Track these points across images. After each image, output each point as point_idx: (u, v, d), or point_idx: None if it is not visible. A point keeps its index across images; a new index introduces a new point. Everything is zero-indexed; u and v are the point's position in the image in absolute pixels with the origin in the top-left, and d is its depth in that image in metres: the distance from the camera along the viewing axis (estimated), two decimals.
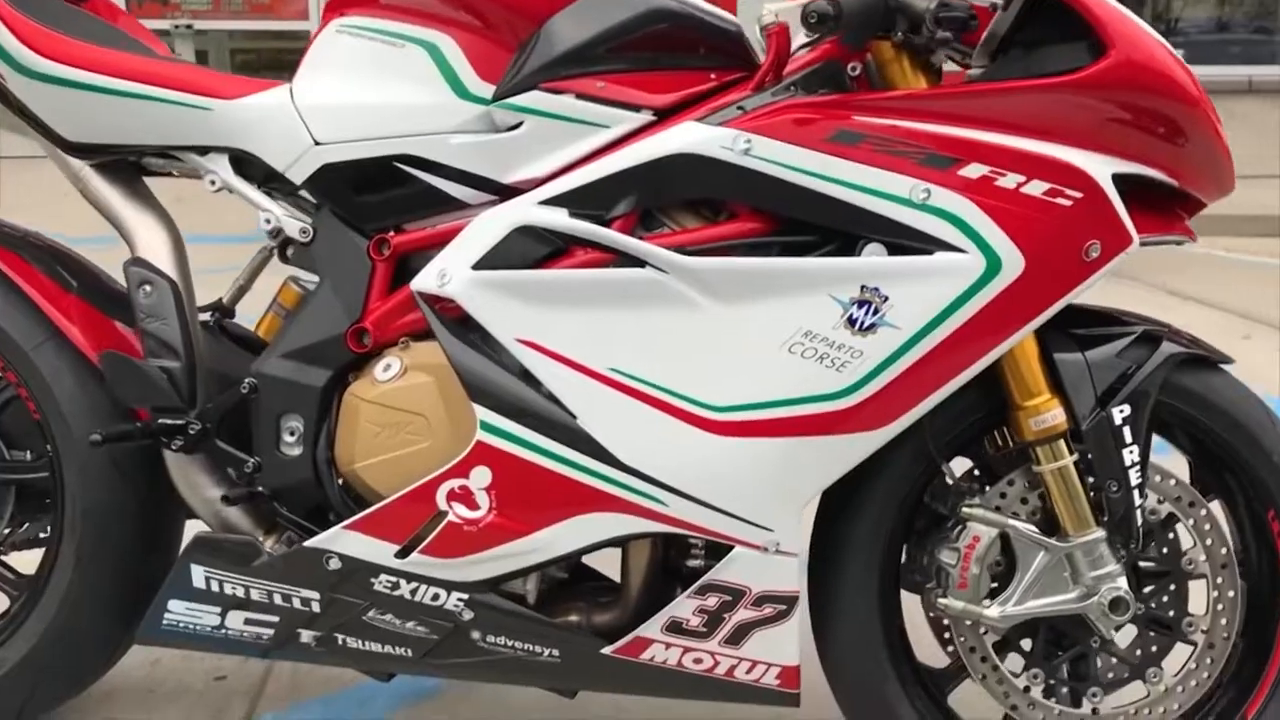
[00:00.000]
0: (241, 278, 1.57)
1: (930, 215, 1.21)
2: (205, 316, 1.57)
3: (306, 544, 1.37)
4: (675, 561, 1.39)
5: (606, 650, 1.39)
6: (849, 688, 1.44)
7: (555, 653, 1.40)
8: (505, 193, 1.35)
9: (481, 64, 1.34)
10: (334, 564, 1.37)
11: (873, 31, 1.23)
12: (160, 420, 1.40)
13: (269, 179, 1.47)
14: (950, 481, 1.40)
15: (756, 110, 1.25)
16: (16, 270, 1.50)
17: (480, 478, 1.31)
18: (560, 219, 1.28)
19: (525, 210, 1.29)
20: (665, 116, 1.29)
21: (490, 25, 1.34)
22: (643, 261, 1.25)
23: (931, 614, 1.46)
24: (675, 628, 1.36)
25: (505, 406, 1.29)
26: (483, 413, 1.29)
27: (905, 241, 1.22)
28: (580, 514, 1.30)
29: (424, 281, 1.32)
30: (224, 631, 1.46)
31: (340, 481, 1.40)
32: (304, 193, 1.44)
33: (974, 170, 1.21)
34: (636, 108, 1.29)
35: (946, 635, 1.46)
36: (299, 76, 1.45)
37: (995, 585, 1.37)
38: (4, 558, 1.63)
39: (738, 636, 1.36)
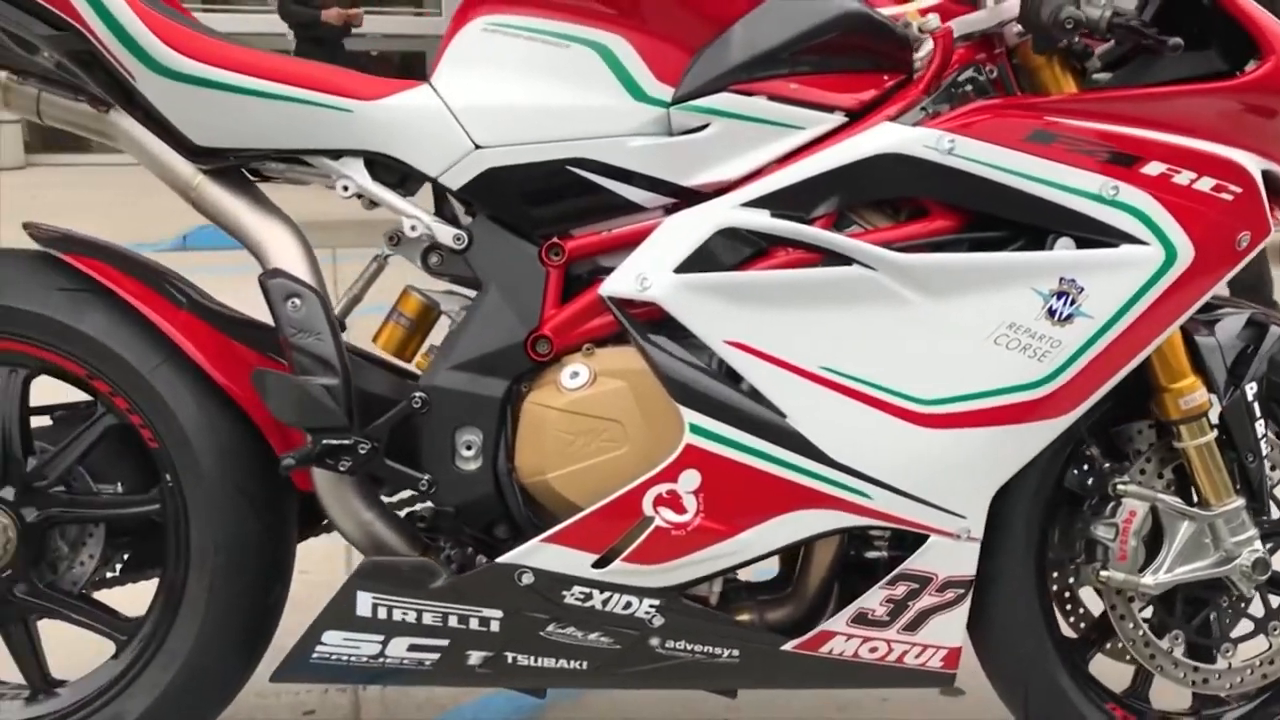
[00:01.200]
0: (355, 288, 1.50)
1: (1118, 210, 1.29)
2: None
3: (499, 560, 1.33)
4: (854, 554, 1.42)
5: (787, 647, 1.40)
6: (1010, 665, 1.50)
7: (735, 653, 1.40)
8: (685, 195, 1.34)
9: (658, 66, 1.33)
10: (526, 579, 1.33)
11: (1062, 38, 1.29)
12: (326, 441, 1.32)
13: (404, 184, 1.41)
14: (1094, 461, 1.48)
15: (953, 112, 1.30)
16: (125, 288, 1.38)
17: (689, 481, 1.30)
18: (765, 220, 1.28)
19: (728, 212, 1.29)
20: (855, 118, 1.32)
21: (666, 27, 1.33)
22: (849, 259, 1.28)
23: (1065, 587, 1.54)
24: (861, 619, 1.39)
25: (714, 409, 1.28)
26: (691, 415, 1.29)
27: (1093, 235, 1.29)
28: (786, 512, 1.31)
29: (617, 286, 1.30)
30: (382, 661, 1.39)
31: (521, 493, 1.36)
32: (450, 198, 1.39)
33: (1154, 168, 1.29)
34: (830, 109, 1.31)
35: (1069, 608, 1.55)
36: (440, 76, 1.39)
37: None
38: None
39: (916, 623, 1.40)
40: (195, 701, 1.44)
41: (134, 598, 1.50)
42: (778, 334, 1.28)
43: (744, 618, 1.43)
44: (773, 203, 1.29)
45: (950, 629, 1.41)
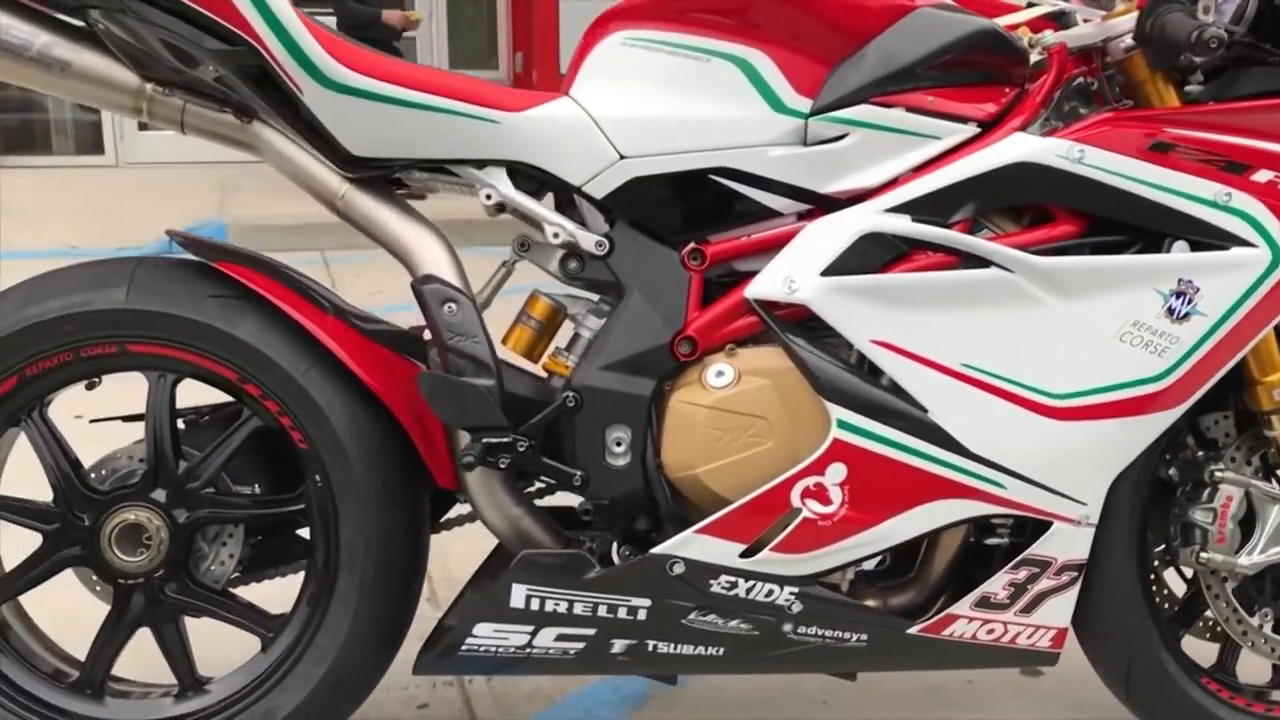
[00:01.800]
0: (484, 293, 1.55)
1: (1231, 215, 1.38)
2: None
3: (653, 551, 1.39)
4: (973, 541, 1.50)
5: (913, 630, 1.48)
6: (1114, 643, 1.58)
7: (863, 637, 1.47)
8: (820, 202, 1.41)
9: (796, 79, 1.40)
10: (678, 569, 1.39)
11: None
12: (487, 439, 1.37)
13: (540, 192, 1.47)
14: (1188, 450, 1.57)
15: (1078, 123, 1.38)
16: (276, 294, 1.42)
17: (835, 474, 1.37)
18: (908, 225, 1.36)
19: (872, 217, 1.36)
20: (985, 129, 1.40)
21: (804, 43, 1.40)
22: (986, 262, 1.36)
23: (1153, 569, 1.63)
24: (984, 602, 1.47)
25: (860, 404, 1.36)
26: (838, 411, 1.36)
27: (1207, 239, 1.38)
28: (925, 502, 1.39)
29: (764, 289, 1.37)
30: (528, 651, 1.44)
31: (668, 487, 1.42)
32: (589, 206, 1.45)
33: (1263, 175, 1.39)
34: (964, 120, 1.39)
35: (1154, 589, 1.65)
36: (580, 88, 1.45)
37: None
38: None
39: (1032, 605, 1.48)
40: (343, 696, 1.48)
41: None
42: (920, 333, 1.36)
43: (870, 603, 1.50)
44: (913, 209, 1.36)
45: (1061, 610, 1.50)
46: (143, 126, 8.26)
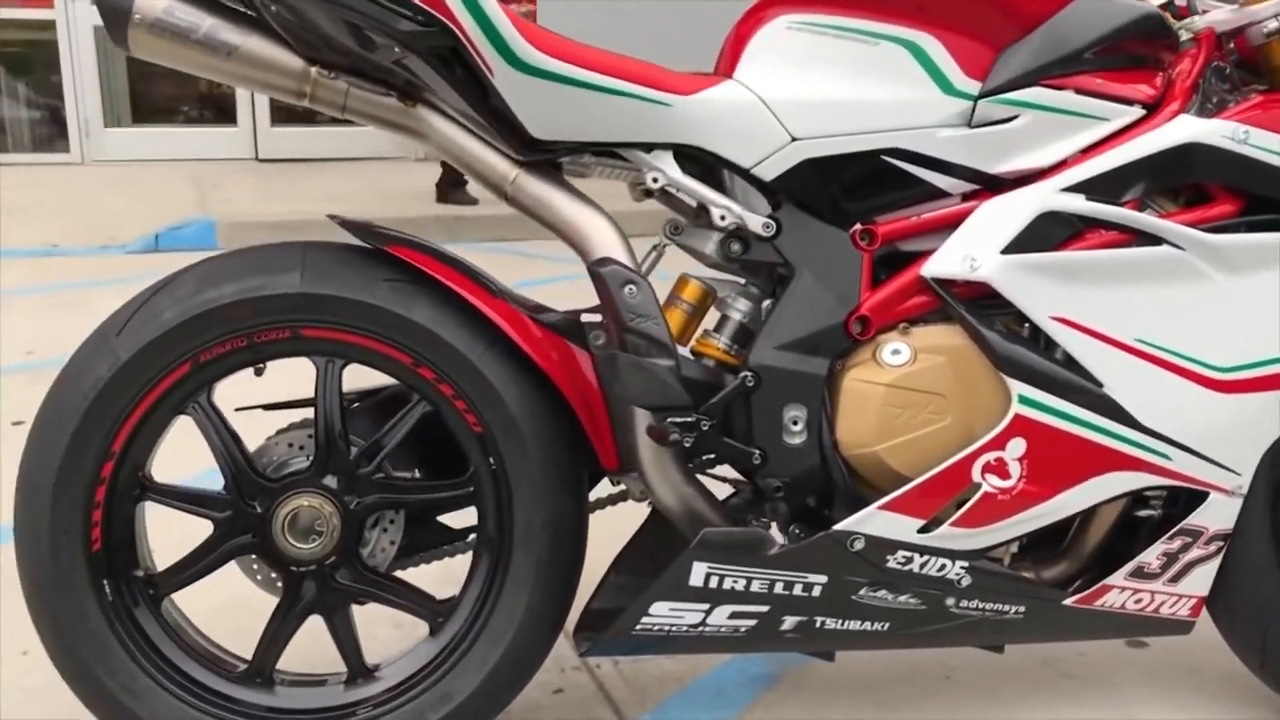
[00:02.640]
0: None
1: None
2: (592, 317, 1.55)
3: (836, 528, 1.41)
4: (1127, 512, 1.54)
5: (1069, 601, 1.52)
6: (1249, 610, 1.63)
7: (1021, 609, 1.51)
8: (987, 181, 1.44)
9: (966, 61, 1.43)
10: (858, 545, 1.41)
11: None
12: (672, 419, 1.39)
13: (706, 176, 1.48)
14: None
15: (1238, 105, 1.43)
16: (447, 277, 1.41)
17: (1015, 448, 1.40)
18: (1085, 204, 1.39)
19: (1050, 196, 1.39)
20: (1149, 111, 1.44)
21: (974, 26, 1.42)
22: (1159, 240, 1.40)
23: None
24: (1138, 572, 1.51)
25: (1040, 380, 1.39)
26: (1019, 387, 1.39)
27: None
28: (1099, 474, 1.43)
29: (943, 267, 1.40)
30: (700, 629, 1.46)
31: (844, 464, 1.44)
32: (744, 188, 1.47)
33: None
34: (1131, 102, 1.43)
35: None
36: (746, 71, 1.46)
37: None
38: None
39: (1179, 575, 1.53)
40: (517, 676, 1.48)
41: None
42: (1097, 308, 1.39)
43: (1026, 575, 1.54)
44: (1087, 188, 1.40)
45: (1203, 580, 1.55)
46: (112, 124, 8.21)
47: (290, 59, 1.39)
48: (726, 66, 1.50)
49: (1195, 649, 1.66)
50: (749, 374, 1.42)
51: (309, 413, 1.48)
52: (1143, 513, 1.55)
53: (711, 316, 1.54)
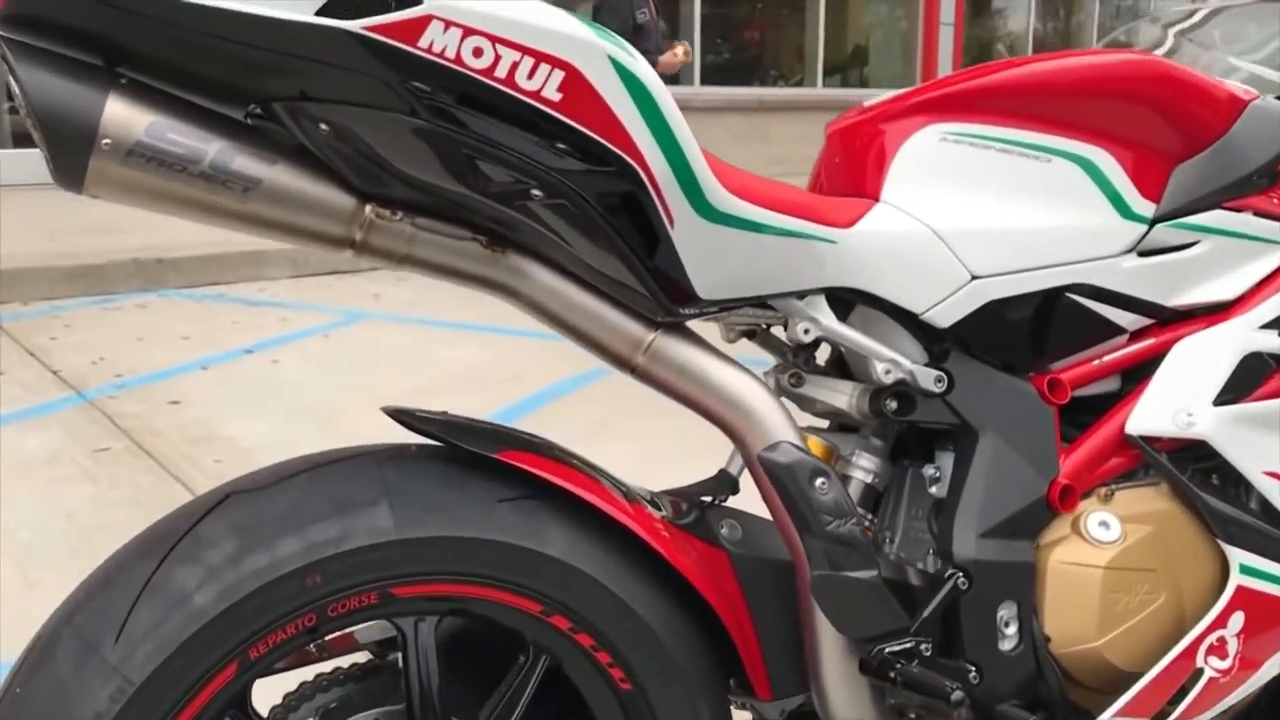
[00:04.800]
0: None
1: None
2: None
3: None
4: None
5: None
6: None
7: None
8: (1164, 315, 1.26)
9: (1141, 181, 1.24)
10: None
11: None
12: (887, 648, 1.09)
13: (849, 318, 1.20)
14: None
15: None
16: (578, 484, 1.04)
17: (1235, 623, 1.23)
18: None
19: (1249, 336, 1.23)
20: None
21: (1147, 139, 1.24)
22: None
23: None
24: None
25: (1262, 545, 1.23)
26: (1240, 555, 1.22)
27: None
28: None
29: (1151, 423, 1.20)
30: None
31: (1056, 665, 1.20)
32: (903, 335, 1.21)
33: None
34: None
35: None
36: (896, 192, 1.20)
37: None
38: None
39: None
40: None
41: None
42: None
43: None
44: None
45: None
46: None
47: (336, 194, 0.97)
48: (862, 184, 1.22)
49: None
50: (959, 573, 1.15)
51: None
52: None
53: None
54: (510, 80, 0.90)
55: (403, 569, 0.97)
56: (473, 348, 4.37)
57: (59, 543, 2.57)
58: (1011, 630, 1.17)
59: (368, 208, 0.98)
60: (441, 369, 4.09)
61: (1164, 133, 1.24)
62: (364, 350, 4.36)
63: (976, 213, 1.19)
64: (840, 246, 1.13)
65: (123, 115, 0.89)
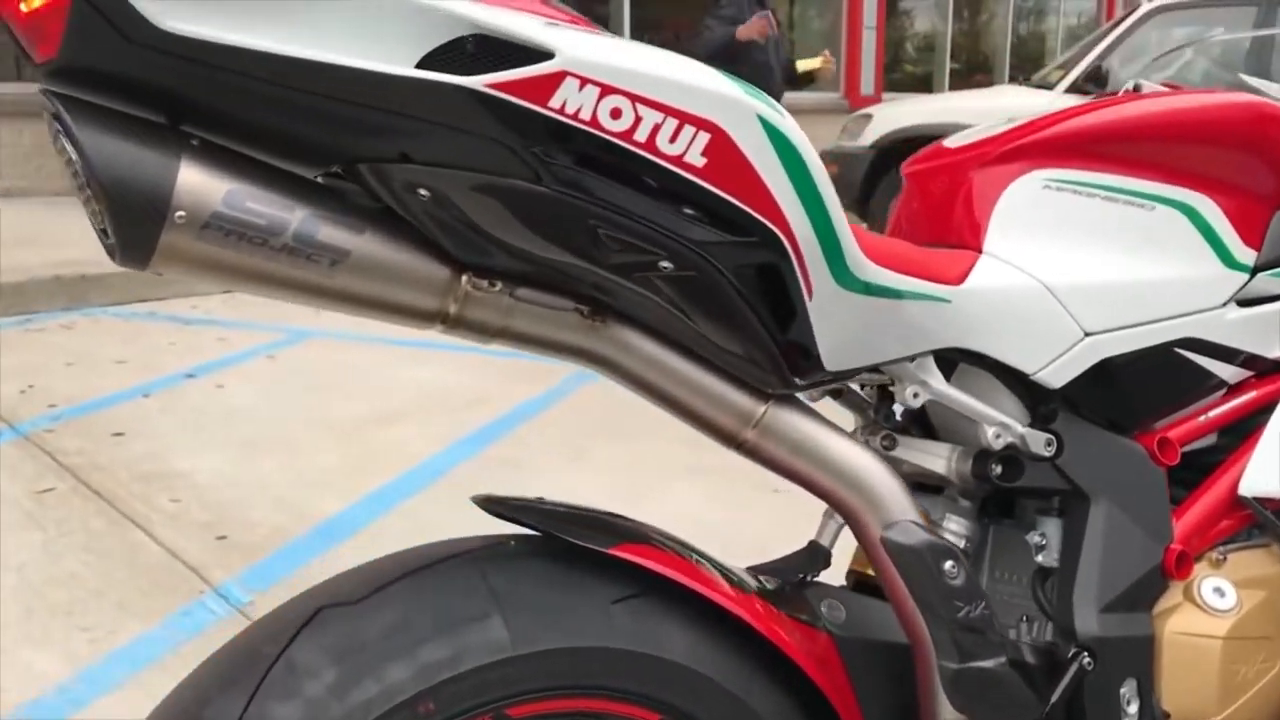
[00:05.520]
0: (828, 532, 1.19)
1: None
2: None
3: None
4: None
5: None
6: None
7: None
8: (1264, 367, 1.22)
9: (1242, 228, 1.18)
10: None
11: None
12: None
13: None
14: None
15: None
16: (695, 579, 0.95)
17: None
18: None
19: None
20: None
21: (1251, 186, 1.18)
22: None
23: None
24: None
25: None
26: None
27: None
28: None
29: (1266, 484, 1.15)
30: None
31: None
32: (1006, 396, 1.13)
33: None
34: None
35: None
36: (999, 242, 1.12)
37: None
38: None
39: None
40: None
41: None
42: None
43: None
44: None
45: None
46: None
47: (430, 264, 0.86)
48: (960, 233, 1.14)
49: None
50: (1084, 652, 1.08)
51: None
52: None
53: None
54: (651, 144, 0.79)
55: (519, 687, 0.86)
56: (431, 367, 4.22)
57: (12, 602, 2.37)
58: (1133, 709, 1.11)
59: (464, 278, 0.87)
60: (401, 391, 3.94)
61: (1265, 177, 1.19)
62: (315, 372, 4.18)
63: (1085, 265, 1.12)
64: (954, 306, 1.05)
65: (197, 183, 0.77)
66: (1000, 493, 1.20)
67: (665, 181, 0.81)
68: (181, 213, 0.76)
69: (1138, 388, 1.14)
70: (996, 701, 1.00)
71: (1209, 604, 1.14)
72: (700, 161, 0.81)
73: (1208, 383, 1.19)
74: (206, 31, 0.72)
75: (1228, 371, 1.19)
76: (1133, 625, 1.11)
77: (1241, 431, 1.21)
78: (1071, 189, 1.14)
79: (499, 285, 0.88)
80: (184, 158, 0.77)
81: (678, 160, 0.80)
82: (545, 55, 0.77)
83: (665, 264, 0.85)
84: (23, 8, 0.75)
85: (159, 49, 0.72)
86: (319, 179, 0.85)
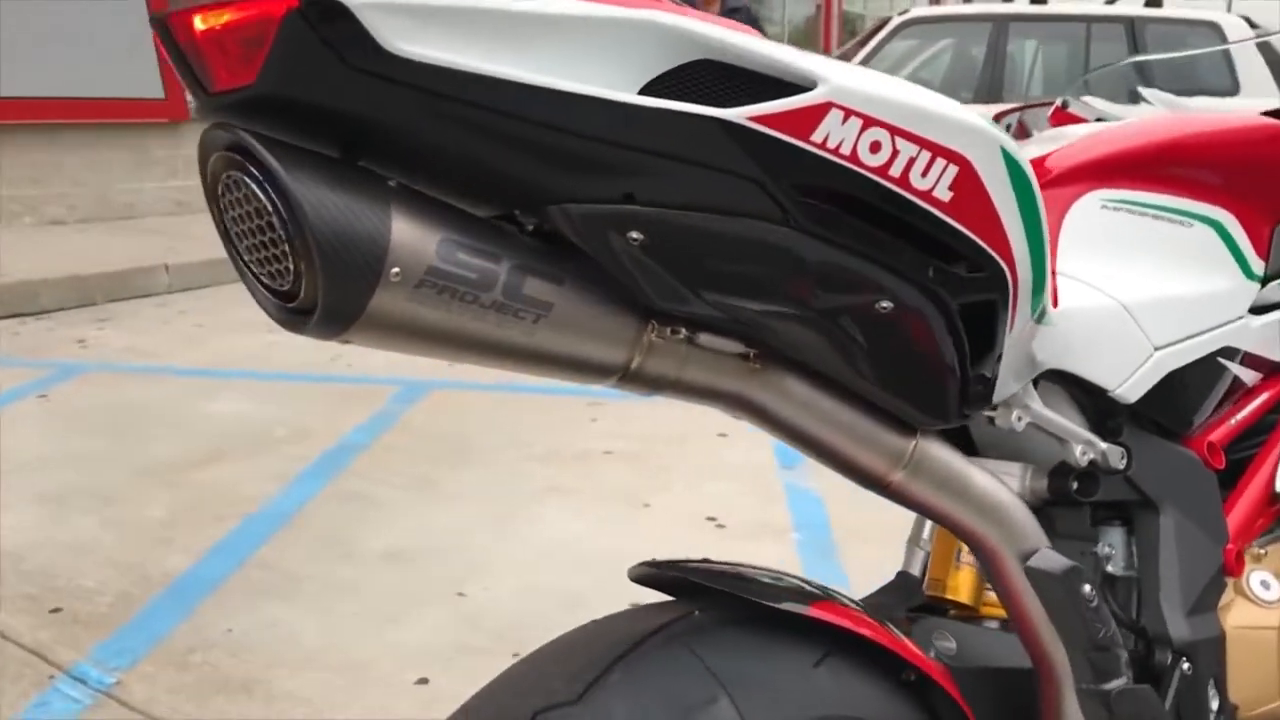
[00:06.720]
0: (925, 543, 1.17)
1: None
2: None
3: None
4: None
5: None
6: None
7: None
8: (1268, 369, 1.30)
9: (1255, 240, 1.26)
10: None
11: None
12: None
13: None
14: None
15: None
16: (880, 637, 0.91)
17: None
18: None
19: None
20: None
21: (1259, 198, 1.26)
22: None
23: None
24: None
25: None
26: None
27: None
28: None
29: None
30: None
31: None
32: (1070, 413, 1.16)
33: None
34: None
35: None
36: (1070, 261, 1.15)
37: None
38: None
39: None
40: None
41: None
42: None
43: None
44: None
45: None
46: None
47: (623, 314, 0.77)
48: None
49: None
50: (1182, 657, 1.11)
51: None
52: None
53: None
54: (904, 179, 0.74)
55: None
56: (234, 398, 3.89)
57: None
58: (1215, 705, 1.16)
59: (650, 326, 0.78)
60: (208, 429, 3.60)
61: (1269, 189, 1.27)
62: (100, 410, 3.76)
63: (1146, 281, 1.16)
64: (1058, 327, 1.05)
65: (410, 235, 0.66)
66: (1052, 507, 1.22)
67: (912, 217, 0.76)
68: (396, 269, 0.65)
69: (1192, 397, 1.19)
70: (1136, 716, 1.01)
71: (1259, 596, 1.21)
72: (947, 196, 0.76)
73: (1238, 388, 1.26)
74: (443, 56, 0.61)
75: (1250, 376, 1.27)
76: (1210, 626, 1.16)
77: (1259, 430, 1.29)
78: (1126, 209, 1.17)
79: (681, 332, 0.80)
80: (393, 205, 0.65)
81: (927, 195, 0.75)
82: (801, 86, 0.70)
83: (884, 304, 0.79)
84: (198, 24, 0.61)
85: (380, 75, 0.61)
86: (507, 224, 0.74)
